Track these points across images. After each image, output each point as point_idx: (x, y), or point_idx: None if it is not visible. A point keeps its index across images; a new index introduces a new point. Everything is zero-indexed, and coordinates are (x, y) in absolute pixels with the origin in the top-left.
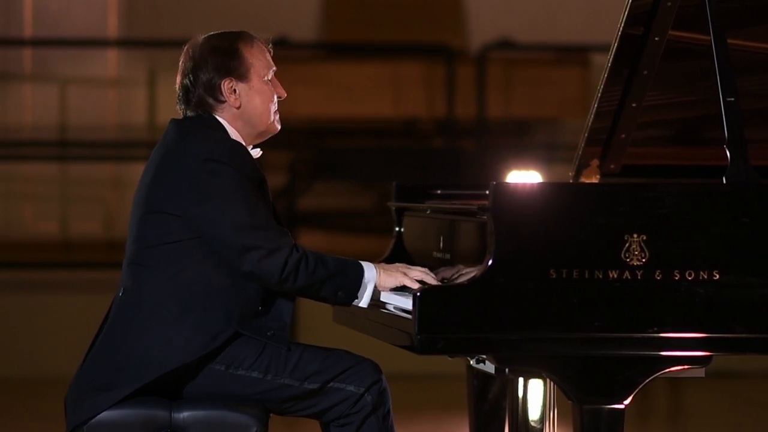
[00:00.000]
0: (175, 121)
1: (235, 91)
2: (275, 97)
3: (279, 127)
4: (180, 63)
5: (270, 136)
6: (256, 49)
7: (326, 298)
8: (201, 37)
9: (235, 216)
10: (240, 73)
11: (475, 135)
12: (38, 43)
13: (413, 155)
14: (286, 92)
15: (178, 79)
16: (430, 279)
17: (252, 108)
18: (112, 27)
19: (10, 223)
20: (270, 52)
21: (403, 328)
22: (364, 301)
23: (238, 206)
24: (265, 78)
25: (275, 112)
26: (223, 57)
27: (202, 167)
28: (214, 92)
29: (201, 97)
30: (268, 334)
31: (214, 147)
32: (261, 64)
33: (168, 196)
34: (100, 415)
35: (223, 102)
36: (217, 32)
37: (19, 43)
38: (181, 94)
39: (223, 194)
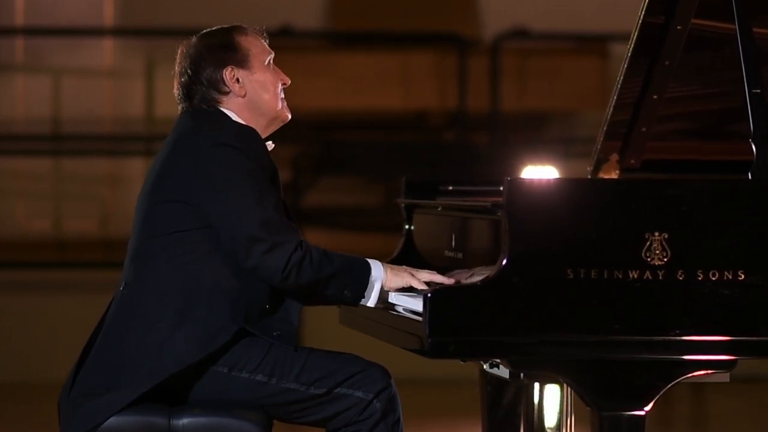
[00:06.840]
0: (185, 112)
1: (238, 80)
2: (280, 84)
3: (289, 115)
4: (176, 65)
5: (281, 125)
6: (251, 37)
7: (332, 297)
8: (194, 37)
9: (244, 205)
10: (239, 60)
11: (489, 128)
12: (31, 32)
13: (423, 150)
14: (290, 83)
15: (176, 80)
16: (438, 281)
17: (258, 95)
18: (107, 15)
19: (2, 221)
20: (266, 39)
21: (412, 331)
22: (371, 301)
23: (249, 196)
24: (266, 63)
25: (282, 99)
26: (220, 49)
27: (214, 152)
28: (217, 84)
29: (204, 93)
30: (275, 334)
31: (227, 132)
32: (258, 50)
33: (178, 183)
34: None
35: (228, 92)
36: (208, 29)
37: (11, 32)
38: (181, 93)
39: (234, 182)
